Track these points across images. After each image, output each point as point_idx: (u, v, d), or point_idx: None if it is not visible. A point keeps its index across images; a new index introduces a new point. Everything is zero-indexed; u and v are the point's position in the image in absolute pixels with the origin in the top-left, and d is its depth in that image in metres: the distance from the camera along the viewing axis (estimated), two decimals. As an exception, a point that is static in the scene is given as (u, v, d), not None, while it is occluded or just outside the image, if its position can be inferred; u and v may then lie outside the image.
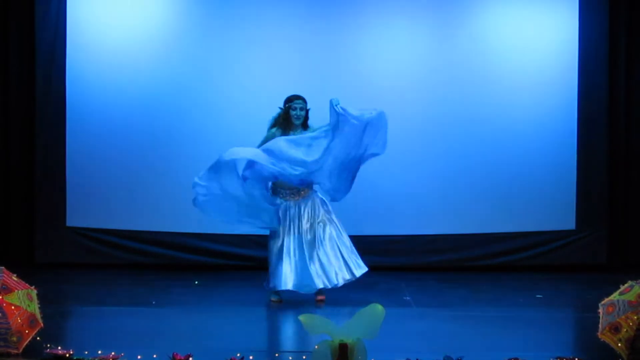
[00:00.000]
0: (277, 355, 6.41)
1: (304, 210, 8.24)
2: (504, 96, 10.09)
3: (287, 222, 8.21)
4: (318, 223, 8.22)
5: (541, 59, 10.08)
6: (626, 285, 6.10)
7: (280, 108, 8.29)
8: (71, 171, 10.08)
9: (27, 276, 6.50)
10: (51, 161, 10.09)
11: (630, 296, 5.95)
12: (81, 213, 10.10)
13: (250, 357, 6.01)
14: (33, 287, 6.29)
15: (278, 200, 8.23)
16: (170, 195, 9.97)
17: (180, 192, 9.71)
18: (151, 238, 10.10)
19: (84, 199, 10.10)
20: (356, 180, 8.32)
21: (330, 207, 8.35)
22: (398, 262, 10.10)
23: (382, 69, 10.10)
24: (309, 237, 8.20)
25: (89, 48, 10.06)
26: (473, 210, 10.10)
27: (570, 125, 10.10)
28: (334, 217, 8.32)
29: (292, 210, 8.22)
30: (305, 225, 8.21)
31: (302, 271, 8.13)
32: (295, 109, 8.22)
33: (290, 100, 8.26)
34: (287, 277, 8.10)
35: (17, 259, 9.77)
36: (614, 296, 6.06)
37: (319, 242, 8.20)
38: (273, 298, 8.27)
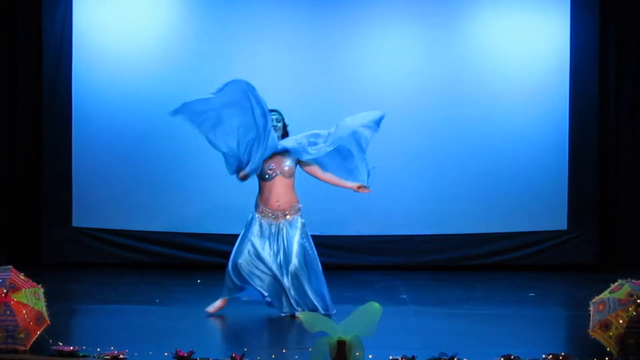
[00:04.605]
0: (276, 352, 6.48)
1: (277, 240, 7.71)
2: (498, 100, 10.17)
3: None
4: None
5: (534, 64, 10.15)
6: (616, 283, 6.10)
7: None
8: (77, 172, 10.14)
9: (34, 275, 6.52)
10: (58, 163, 10.15)
11: (620, 294, 5.97)
12: (87, 213, 10.17)
13: (251, 354, 6.07)
14: (40, 286, 6.30)
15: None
16: (174, 196, 9.98)
17: (184, 193, 9.77)
18: (155, 238, 10.16)
19: (90, 200, 10.16)
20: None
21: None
22: (395, 262, 10.17)
23: (376, 74, 10.17)
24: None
25: (94, 51, 10.13)
26: (467, 211, 10.17)
27: (561, 128, 10.17)
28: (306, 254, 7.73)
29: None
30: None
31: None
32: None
33: None
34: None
35: (24, 258, 9.90)
36: (605, 294, 6.07)
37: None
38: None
